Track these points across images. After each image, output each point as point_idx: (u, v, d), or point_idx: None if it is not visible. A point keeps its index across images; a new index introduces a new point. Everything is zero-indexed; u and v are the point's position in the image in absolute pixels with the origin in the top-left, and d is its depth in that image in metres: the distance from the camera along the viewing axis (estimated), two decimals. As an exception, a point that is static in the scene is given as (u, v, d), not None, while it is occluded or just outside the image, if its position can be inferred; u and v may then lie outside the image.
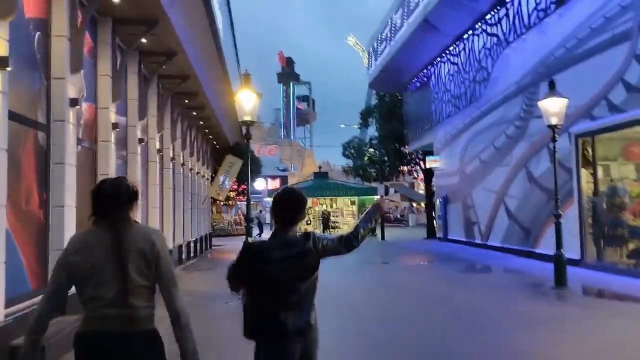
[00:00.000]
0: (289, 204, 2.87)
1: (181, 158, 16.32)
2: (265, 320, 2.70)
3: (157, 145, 12.55)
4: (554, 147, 10.18)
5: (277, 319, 2.66)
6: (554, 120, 10.14)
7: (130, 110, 10.30)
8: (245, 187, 39.86)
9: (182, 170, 16.43)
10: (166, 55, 10.64)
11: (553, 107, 10.15)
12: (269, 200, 42.80)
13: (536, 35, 15.04)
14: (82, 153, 7.68)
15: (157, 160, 12.53)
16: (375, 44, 26.82)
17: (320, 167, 54.61)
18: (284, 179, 60.52)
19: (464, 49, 19.91)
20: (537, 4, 14.85)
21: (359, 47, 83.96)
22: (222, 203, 34.74)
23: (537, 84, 14.94)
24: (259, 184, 56.71)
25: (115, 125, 8.61)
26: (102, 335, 2.25)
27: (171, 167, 14.25)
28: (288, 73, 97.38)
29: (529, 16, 15.24)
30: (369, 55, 28.81)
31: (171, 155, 14.31)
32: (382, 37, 25.20)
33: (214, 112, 17.39)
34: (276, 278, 2.68)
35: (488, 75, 17.76)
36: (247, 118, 8.95)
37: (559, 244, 10.04)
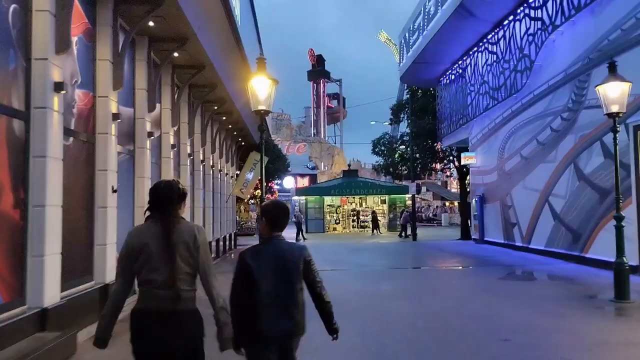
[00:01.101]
0: (279, 212, 3.21)
1: (208, 159, 16.69)
2: (248, 327, 2.93)
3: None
4: (615, 139, 8.82)
5: (259, 325, 2.92)
6: (614, 108, 8.78)
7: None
8: (272, 184, 39.16)
9: (202, 168, 15.69)
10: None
11: (613, 93, 8.79)
12: (297, 199, 42.21)
13: (587, 17, 13.55)
14: (74, 146, 6.84)
15: (188, 164, 13.38)
16: (407, 35, 25.46)
17: (349, 165, 53.53)
18: (313, 177, 59.60)
19: (503, 36, 18.45)
20: (588, -18, 13.37)
21: (391, 44, 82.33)
22: (249, 201, 33.96)
23: (588, 71, 13.47)
24: (288, 182, 56.17)
25: (116, 116, 7.76)
26: (153, 312, 2.74)
27: (188, 163, 13.50)
28: (318, 71, 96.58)
29: (579, -4, 13.77)
30: (400, 48, 27.45)
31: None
32: (415, 27, 23.84)
33: (241, 115, 17.66)
34: (263, 281, 2.96)
35: (531, 63, 16.30)
36: (262, 107, 7.96)
37: (620, 250, 8.70)
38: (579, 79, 13.98)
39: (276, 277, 2.98)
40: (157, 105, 10.36)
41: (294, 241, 26.13)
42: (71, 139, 6.73)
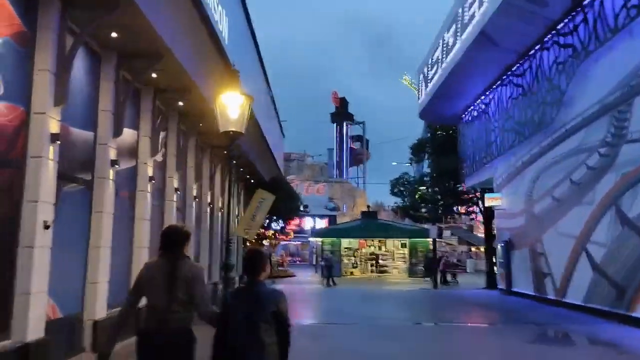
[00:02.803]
0: (254, 259, 3.53)
1: (209, 197, 16.33)
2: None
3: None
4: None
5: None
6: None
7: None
8: (290, 223, 37.36)
9: (200, 207, 14.50)
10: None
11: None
12: (314, 240, 40.34)
13: (625, 40, 11.98)
14: (-14, 170, 5.50)
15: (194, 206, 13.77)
16: (425, 70, 24.15)
17: (369, 207, 51.65)
18: (332, 219, 57.73)
19: (530, 67, 16.94)
20: (625, 0, 11.88)
21: (415, 88, 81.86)
22: (262, 242, 32.31)
23: (629, 99, 11.79)
24: (306, 223, 54.52)
25: (55, 137, 6.43)
26: (155, 330, 3.45)
27: (194, 205, 12.77)
28: (342, 113, 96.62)
29: (616, 17, 12.25)
30: (418, 83, 26.16)
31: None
32: (433, 60, 22.53)
33: (249, 158, 17.80)
34: (234, 318, 3.36)
35: (561, 95, 14.69)
36: (232, 128, 6.55)
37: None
38: (618, 110, 12.28)
39: (246, 316, 3.31)
40: (162, 150, 11.18)
41: (323, 285, 24.34)
42: (-18, 161, 5.40)
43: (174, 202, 11.83)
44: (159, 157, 11.01)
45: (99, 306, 8.02)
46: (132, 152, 9.72)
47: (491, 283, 22.75)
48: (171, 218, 11.64)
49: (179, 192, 12.14)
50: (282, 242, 42.86)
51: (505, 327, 12.28)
